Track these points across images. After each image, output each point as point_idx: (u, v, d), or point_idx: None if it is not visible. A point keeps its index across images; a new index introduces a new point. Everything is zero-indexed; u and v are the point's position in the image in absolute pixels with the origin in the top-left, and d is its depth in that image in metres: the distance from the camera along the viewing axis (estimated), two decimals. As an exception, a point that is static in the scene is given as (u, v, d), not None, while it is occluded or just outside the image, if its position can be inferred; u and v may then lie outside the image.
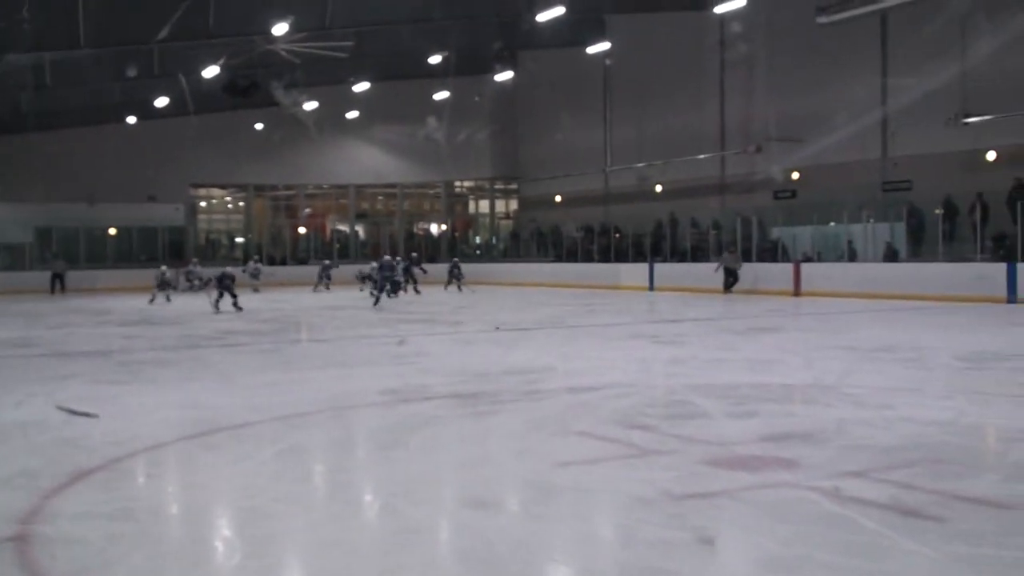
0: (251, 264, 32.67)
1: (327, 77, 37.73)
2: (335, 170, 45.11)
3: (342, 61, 32.67)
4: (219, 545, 4.80)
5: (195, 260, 30.21)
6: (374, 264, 29.29)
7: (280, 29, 27.35)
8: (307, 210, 46.64)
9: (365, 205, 48.22)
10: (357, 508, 5.47)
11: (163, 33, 25.79)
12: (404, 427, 7.55)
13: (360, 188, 46.73)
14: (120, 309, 24.43)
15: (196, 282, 27.30)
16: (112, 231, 40.59)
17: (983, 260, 22.67)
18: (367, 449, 7.14)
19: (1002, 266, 21.62)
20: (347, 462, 6.74)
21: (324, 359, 12.99)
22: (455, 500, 5.53)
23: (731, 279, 26.20)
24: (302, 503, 5.43)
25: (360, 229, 47.62)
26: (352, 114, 42.38)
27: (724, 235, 30.28)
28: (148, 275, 35.06)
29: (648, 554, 4.38)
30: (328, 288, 32.48)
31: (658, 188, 35.18)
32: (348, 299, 26.90)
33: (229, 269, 23.12)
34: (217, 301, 21.88)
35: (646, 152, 35.12)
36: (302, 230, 45.50)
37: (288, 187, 46.09)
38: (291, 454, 6.79)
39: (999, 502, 5.10)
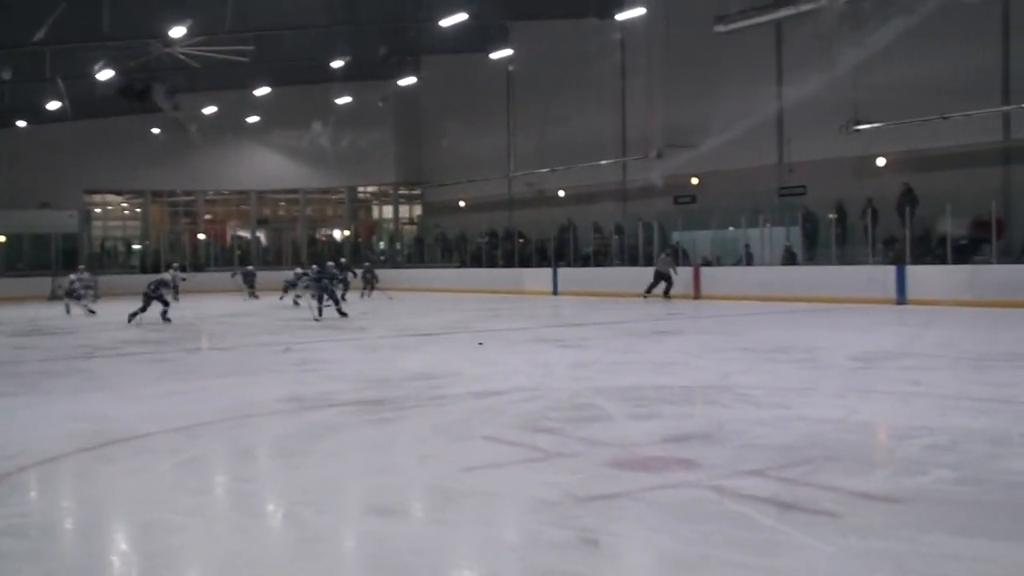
0: (171, 273, 31.60)
1: (227, 81, 37.15)
2: (236, 175, 44.38)
3: (242, 65, 32.15)
4: (116, 561, 4.68)
5: (82, 267, 29.22)
6: (298, 270, 28.74)
7: (178, 32, 26.79)
8: (206, 216, 45.73)
9: (267, 211, 47.56)
10: (260, 518, 5.39)
11: (40, 35, 24.95)
12: (307, 435, 7.48)
13: (261, 194, 46.07)
14: (10, 319, 23.60)
15: (86, 290, 26.44)
16: (1, 238, 39.16)
17: (874, 263, 23.39)
18: (270, 458, 7.03)
19: (892, 268, 22.35)
20: (249, 472, 6.64)
21: (225, 367, 12.76)
22: (360, 507, 5.50)
23: (666, 283, 25.76)
24: (203, 515, 5.34)
25: (262, 235, 46.92)
26: (253, 119, 41.75)
27: (627, 239, 30.63)
28: (40, 284, 34.16)
29: (552, 556, 4.42)
30: (256, 296, 31.72)
31: (561, 193, 35.47)
32: (261, 307, 26.40)
33: (167, 276, 22.26)
34: (138, 313, 20.34)
35: (549, 158, 35.33)
36: (201, 236, 44.59)
37: (187, 193, 45.16)
38: (191, 465, 6.66)
39: (889, 496, 5.28)
